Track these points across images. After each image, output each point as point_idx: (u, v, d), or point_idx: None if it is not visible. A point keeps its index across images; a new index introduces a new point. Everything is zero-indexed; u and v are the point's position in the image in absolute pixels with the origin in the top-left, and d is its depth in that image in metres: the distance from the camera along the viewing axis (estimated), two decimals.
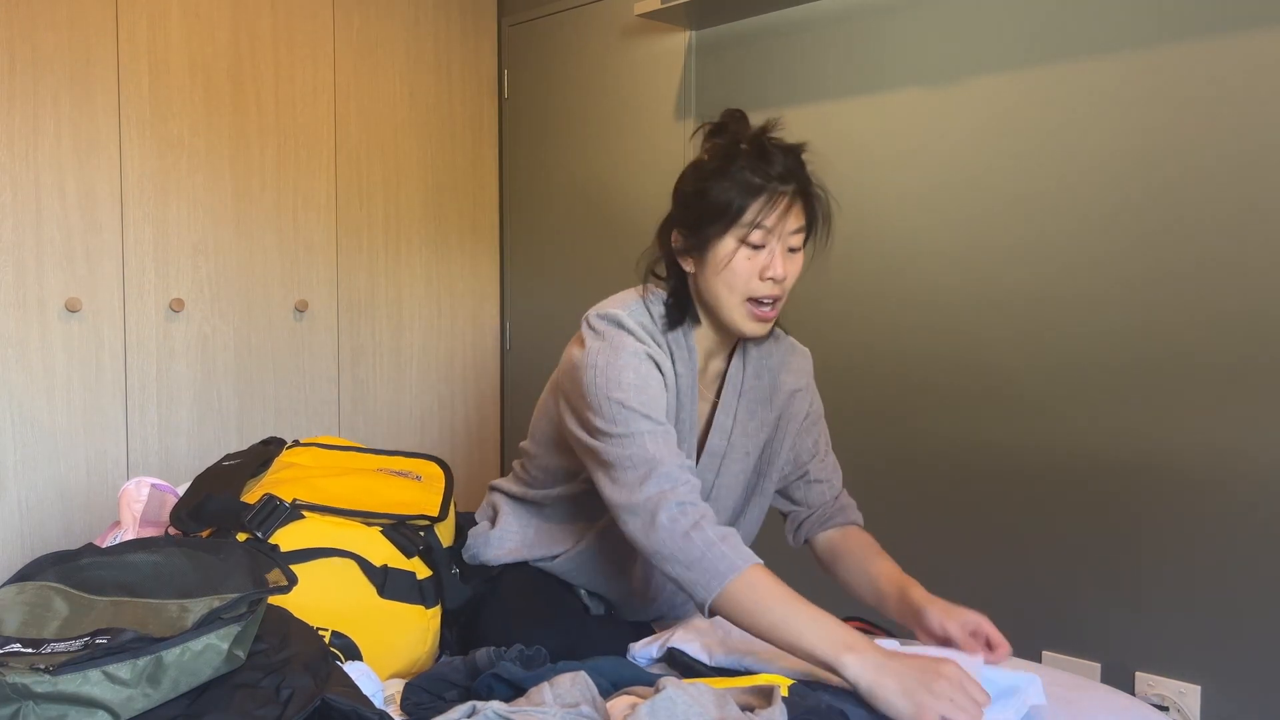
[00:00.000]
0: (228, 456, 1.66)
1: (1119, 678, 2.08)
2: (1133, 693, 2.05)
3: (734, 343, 1.54)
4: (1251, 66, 1.89)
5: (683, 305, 1.45)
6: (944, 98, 2.30)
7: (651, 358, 1.40)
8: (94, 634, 0.98)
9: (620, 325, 1.41)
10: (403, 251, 3.03)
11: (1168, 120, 1.99)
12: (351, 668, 1.21)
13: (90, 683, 0.94)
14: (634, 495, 1.32)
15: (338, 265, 2.87)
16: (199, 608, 1.06)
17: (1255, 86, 1.89)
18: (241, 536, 1.37)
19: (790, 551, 1.70)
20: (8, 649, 0.97)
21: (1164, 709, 2.01)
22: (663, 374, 1.41)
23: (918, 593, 1.47)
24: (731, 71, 2.70)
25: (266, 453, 1.63)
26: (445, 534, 1.52)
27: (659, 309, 1.45)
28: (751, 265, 1.37)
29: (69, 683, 0.93)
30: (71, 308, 2.37)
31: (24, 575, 1.12)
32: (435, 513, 1.51)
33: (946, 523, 2.33)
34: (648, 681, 1.22)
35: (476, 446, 3.26)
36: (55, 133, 2.36)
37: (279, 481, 1.48)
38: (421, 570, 1.43)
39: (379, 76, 2.95)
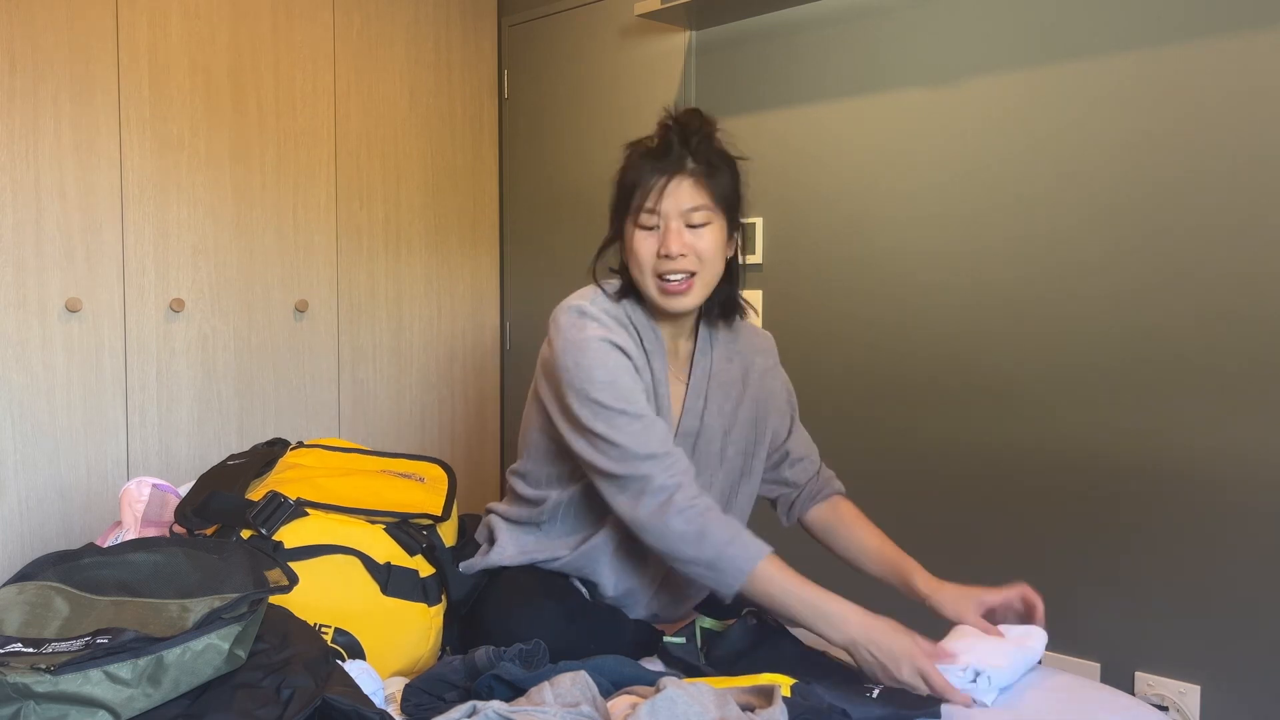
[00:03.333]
0: (232, 456, 1.66)
1: (1119, 678, 2.08)
2: (1133, 693, 2.05)
3: (694, 325, 1.60)
4: (1252, 67, 1.89)
5: (633, 290, 1.54)
6: (944, 98, 2.30)
7: (616, 344, 1.47)
8: (95, 634, 0.98)
9: (583, 313, 1.49)
10: (403, 251, 3.03)
11: (1168, 120, 1.99)
12: (352, 666, 1.22)
13: (91, 682, 0.94)
14: (638, 511, 1.41)
15: (338, 265, 2.87)
16: (200, 607, 1.06)
17: (1256, 86, 1.89)
18: (246, 533, 1.37)
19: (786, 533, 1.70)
20: (9, 649, 0.97)
21: (1164, 709, 2.01)
22: (630, 356, 1.48)
23: (920, 581, 1.57)
24: (731, 71, 2.70)
25: (271, 453, 1.64)
26: (448, 535, 1.53)
27: (613, 289, 1.55)
28: (649, 245, 1.47)
29: (70, 682, 0.93)
30: (71, 308, 2.37)
31: (25, 575, 1.12)
32: (438, 512, 1.51)
33: (946, 523, 2.33)
34: (648, 681, 1.22)
35: (476, 446, 3.26)
36: (55, 133, 2.36)
37: (283, 481, 1.48)
38: (424, 568, 1.43)
39: (379, 76, 2.95)
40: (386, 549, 1.41)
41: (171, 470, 2.53)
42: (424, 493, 1.55)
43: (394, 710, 1.24)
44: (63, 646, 0.97)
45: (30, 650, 0.97)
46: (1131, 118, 2.03)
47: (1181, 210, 1.98)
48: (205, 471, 1.61)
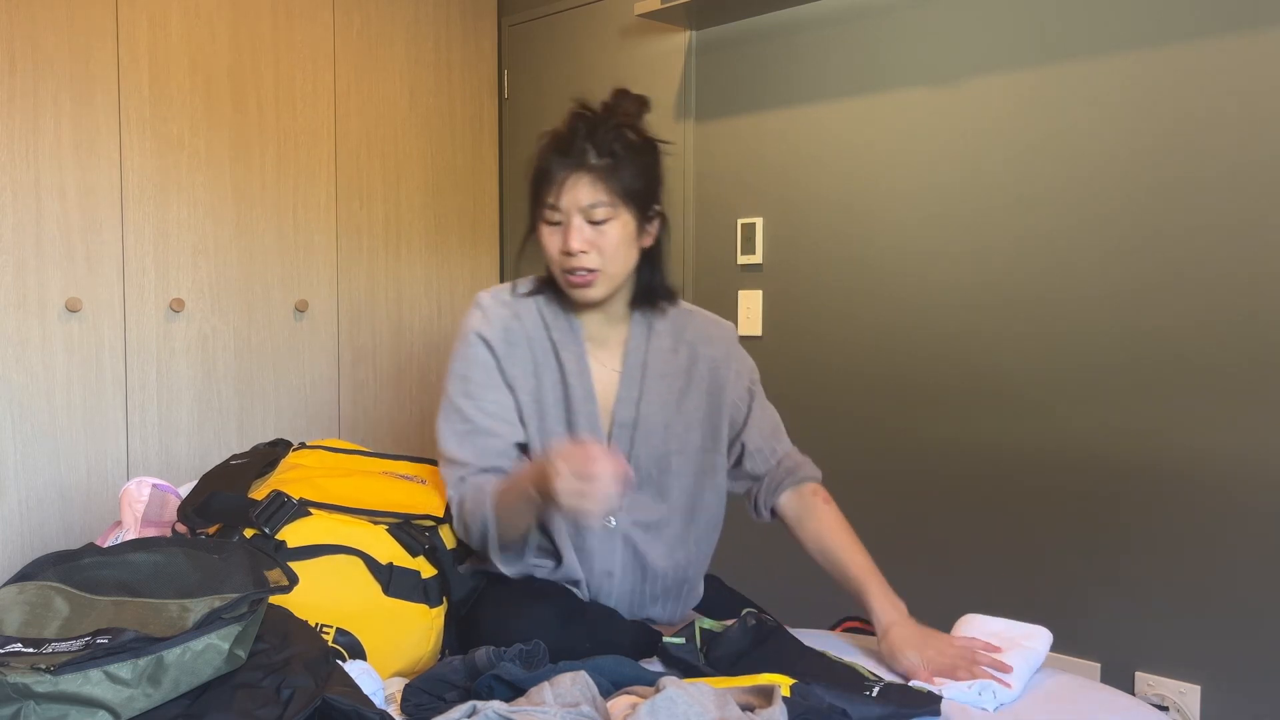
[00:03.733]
0: (234, 456, 1.66)
1: (1119, 678, 2.08)
2: (1133, 693, 2.05)
3: (623, 313, 1.60)
4: (1253, 67, 1.89)
5: (553, 281, 1.57)
6: (944, 98, 2.30)
7: (484, 339, 1.53)
8: (95, 634, 0.98)
9: (478, 304, 1.57)
10: (403, 251, 3.03)
11: (1169, 120, 1.99)
12: (352, 666, 1.21)
13: (91, 682, 0.94)
14: (450, 492, 1.52)
15: (338, 265, 2.87)
16: (200, 607, 1.06)
17: (1257, 86, 1.89)
18: (249, 532, 1.37)
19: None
20: (9, 649, 0.97)
21: (1164, 709, 2.01)
22: (492, 348, 1.53)
23: (875, 610, 1.48)
24: (731, 71, 2.70)
25: (273, 454, 1.64)
26: (449, 536, 1.53)
27: (526, 286, 1.60)
28: (554, 240, 1.50)
29: (70, 682, 0.93)
30: (71, 308, 2.37)
31: (25, 575, 1.12)
32: (440, 514, 1.51)
33: (947, 523, 2.33)
34: (648, 681, 1.22)
35: None
36: (55, 133, 2.36)
37: (285, 482, 1.49)
38: (426, 569, 1.43)
39: (379, 76, 2.95)
40: (389, 549, 1.41)
41: (171, 470, 2.53)
42: (425, 494, 1.55)
43: (394, 710, 1.24)
44: (63, 646, 0.97)
45: (30, 650, 0.97)
46: (1132, 118, 2.03)
47: (1182, 210, 1.98)
48: (207, 471, 1.61)
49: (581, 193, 1.47)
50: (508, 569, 1.51)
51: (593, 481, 1.23)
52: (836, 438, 2.51)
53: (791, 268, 2.59)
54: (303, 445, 1.67)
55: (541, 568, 1.54)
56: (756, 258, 2.65)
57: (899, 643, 1.41)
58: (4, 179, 2.29)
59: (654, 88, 2.87)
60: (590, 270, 1.48)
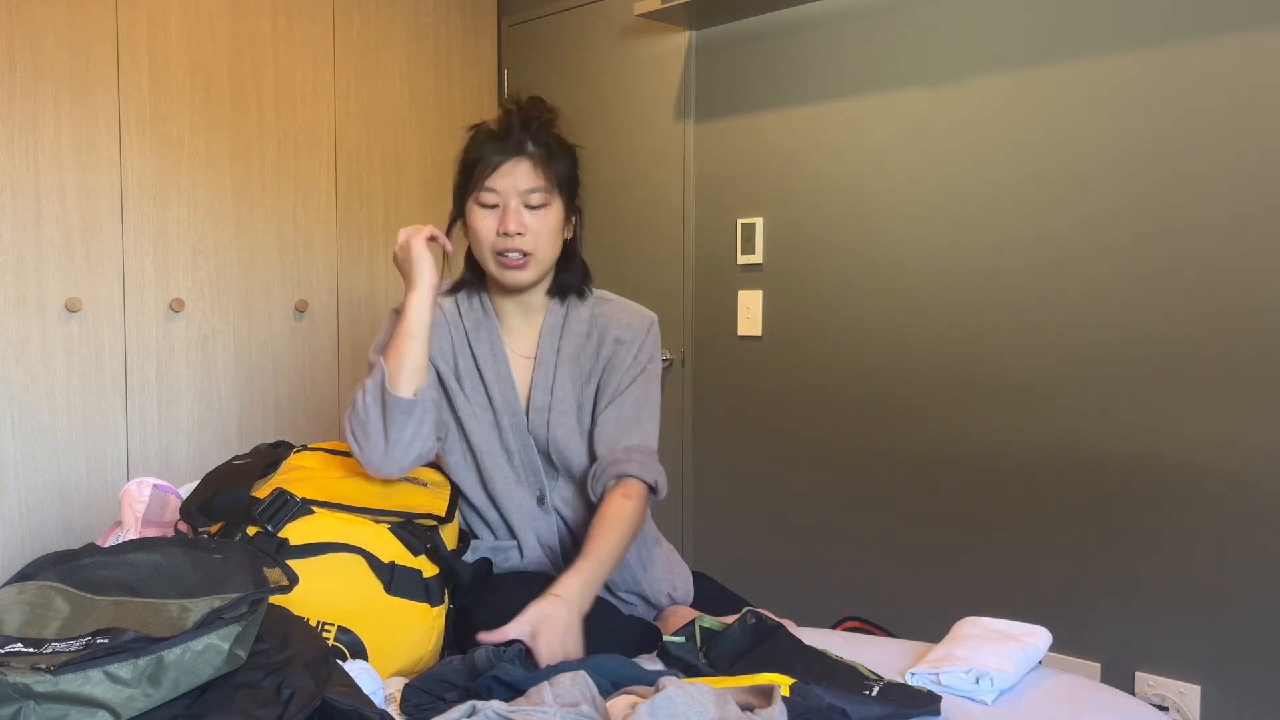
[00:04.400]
0: (236, 457, 1.66)
1: (1119, 678, 2.08)
2: (1133, 693, 2.05)
3: (541, 302, 1.66)
4: (1253, 66, 1.89)
5: (473, 275, 1.65)
6: (944, 98, 2.30)
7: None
8: (95, 634, 0.98)
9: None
10: None
11: (1170, 120, 1.99)
12: (352, 665, 1.21)
13: (91, 682, 0.94)
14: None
15: (338, 265, 2.87)
16: (200, 607, 1.05)
17: (1259, 86, 1.89)
18: (252, 530, 1.38)
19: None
20: (9, 649, 0.97)
21: (1164, 709, 2.01)
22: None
23: (560, 580, 1.41)
24: (731, 71, 2.70)
25: (275, 454, 1.64)
26: (450, 537, 1.53)
27: (443, 287, 1.65)
28: (489, 223, 1.55)
29: (70, 682, 0.93)
30: (71, 308, 2.37)
31: (25, 575, 1.12)
32: (443, 513, 1.51)
33: (947, 521, 2.33)
34: (648, 681, 1.22)
35: None
36: (55, 133, 2.36)
37: (287, 482, 1.49)
38: (428, 569, 1.43)
39: (379, 76, 2.95)
40: (391, 548, 1.41)
41: (171, 470, 2.53)
42: (428, 495, 1.55)
43: (394, 710, 1.24)
44: (63, 646, 0.97)
45: (30, 650, 0.97)
46: (1133, 117, 2.04)
47: (1182, 209, 1.98)
48: (210, 471, 1.61)
49: (520, 178, 1.54)
50: (397, 451, 1.49)
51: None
52: (835, 437, 2.51)
53: (791, 268, 2.59)
54: (304, 447, 1.67)
55: (503, 552, 1.61)
56: (756, 258, 2.65)
57: (531, 609, 1.36)
58: (4, 179, 2.29)
59: (654, 88, 2.87)
60: (525, 254, 1.55)
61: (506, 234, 1.53)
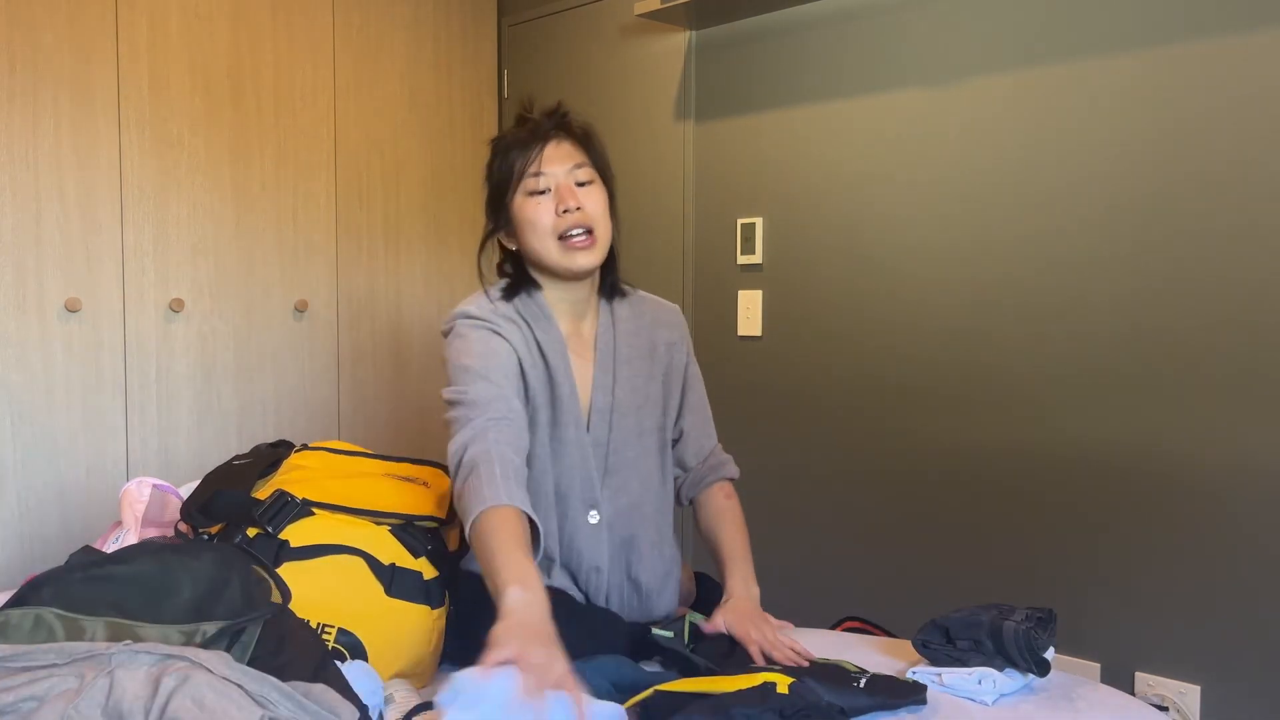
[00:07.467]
0: (237, 457, 1.66)
1: (1119, 678, 2.08)
2: (1133, 693, 2.05)
3: (593, 302, 1.62)
4: (1254, 68, 1.89)
5: (521, 280, 1.58)
6: (944, 98, 2.30)
7: (495, 330, 1.50)
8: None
9: (466, 315, 1.53)
10: (403, 251, 3.02)
11: (1170, 121, 1.99)
12: (352, 666, 1.21)
13: None
14: (451, 445, 1.42)
15: (338, 265, 2.87)
16: (195, 637, 1.06)
17: (1259, 86, 1.89)
18: (252, 531, 1.37)
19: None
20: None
21: (1164, 709, 2.01)
22: (510, 342, 1.51)
23: (729, 583, 1.54)
24: (731, 71, 2.70)
25: (275, 454, 1.64)
26: (450, 538, 1.53)
27: (497, 293, 1.58)
28: (545, 207, 1.51)
29: None
30: (71, 308, 2.37)
31: (20, 599, 1.09)
32: (443, 515, 1.51)
33: (947, 523, 2.33)
34: (647, 681, 1.22)
35: None
36: (55, 133, 2.36)
37: (288, 482, 1.49)
38: (428, 570, 1.43)
39: (379, 76, 2.95)
40: (391, 550, 1.41)
41: (171, 470, 2.53)
42: (428, 496, 1.55)
43: (393, 710, 1.24)
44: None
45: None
46: (1133, 118, 2.03)
47: (1182, 210, 1.98)
48: (210, 471, 1.61)
49: (565, 155, 1.52)
50: None
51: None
52: (836, 437, 2.51)
53: (791, 268, 2.59)
54: (305, 447, 1.67)
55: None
56: (756, 258, 2.65)
57: (726, 609, 1.47)
58: (4, 179, 2.29)
59: (654, 88, 2.87)
60: (588, 231, 1.51)
61: (567, 211, 1.49)
